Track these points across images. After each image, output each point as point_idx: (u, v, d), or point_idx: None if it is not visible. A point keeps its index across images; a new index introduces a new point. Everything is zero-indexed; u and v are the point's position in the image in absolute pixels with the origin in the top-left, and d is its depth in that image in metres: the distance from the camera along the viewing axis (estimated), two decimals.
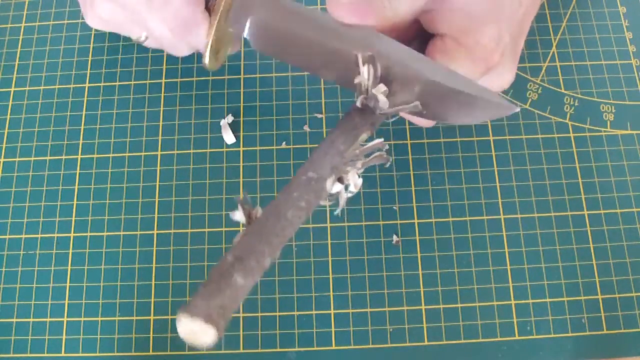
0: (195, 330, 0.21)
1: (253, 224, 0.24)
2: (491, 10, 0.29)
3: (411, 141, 0.38)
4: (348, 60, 0.29)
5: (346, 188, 0.27)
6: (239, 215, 0.24)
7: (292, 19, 0.31)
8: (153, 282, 0.36)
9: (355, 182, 0.26)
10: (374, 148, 0.27)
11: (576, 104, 0.39)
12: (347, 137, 0.26)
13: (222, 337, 0.21)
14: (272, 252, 0.23)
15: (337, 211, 0.27)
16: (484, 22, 0.29)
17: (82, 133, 0.39)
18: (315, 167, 0.25)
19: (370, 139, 0.28)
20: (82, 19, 0.41)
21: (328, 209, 0.36)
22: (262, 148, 0.38)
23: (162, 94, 0.40)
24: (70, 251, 0.36)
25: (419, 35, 0.31)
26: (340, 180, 0.26)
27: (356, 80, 0.28)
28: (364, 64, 0.28)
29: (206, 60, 0.33)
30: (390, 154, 0.37)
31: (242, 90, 0.40)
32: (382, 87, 0.27)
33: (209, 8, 0.33)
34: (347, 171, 0.26)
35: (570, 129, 0.38)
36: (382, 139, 0.27)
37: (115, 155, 0.38)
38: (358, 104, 0.28)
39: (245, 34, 0.32)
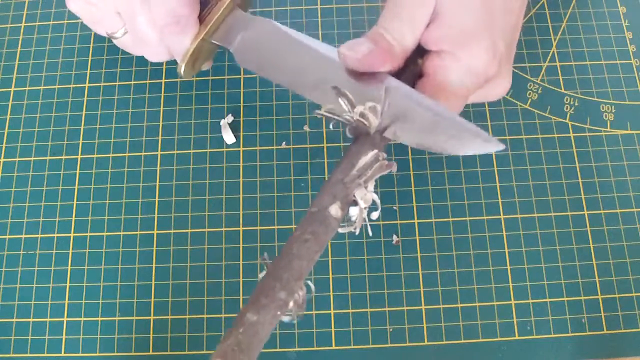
0: None
1: (267, 269, 0.25)
2: (484, 23, 0.30)
3: None
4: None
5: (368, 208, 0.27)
6: (264, 274, 0.26)
7: (287, 42, 0.32)
8: (153, 282, 0.36)
9: (365, 198, 0.27)
10: (371, 161, 0.27)
11: (576, 104, 0.39)
12: (345, 166, 0.27)
13: None
14: (284, 286, 0.24)
15: (357, 231, 0.27)
16: (479, 36, 0.30)
17: (82, 133, 0.39)
18: (316, 202, 0.27)
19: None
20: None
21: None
22: (262, 148, 0.38)
23: (162, 94, 0.40)
24: (70, 251, 0.36)
25: (415, 52, 0.32)
26: (354, 202, 0.27)
27: (328, 106, 0.29)
28: (338, 97, 0.28)
29: (182, 67, 0.33)
30: (390, 154, 0.38)
31: (242, 90, 0.40)
32: (370, 103, 0.28)
33: (200, 18, 0.33)
34: (353, 193, 0.27)
35: (570, 129, 0.38)
36: (375, 151, 0.27)
37: (115, 155, 0.38)
38: (348, 132, 0.29)
39: (232, 48, 0.33)
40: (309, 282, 0.26)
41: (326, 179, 0.36)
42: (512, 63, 0.32)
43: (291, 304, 0.25)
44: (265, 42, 0.33)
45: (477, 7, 0.30)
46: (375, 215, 0.28)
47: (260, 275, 0.26)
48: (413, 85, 0.31)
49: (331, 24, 0.41)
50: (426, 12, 0.30)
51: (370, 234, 0.28)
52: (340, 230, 0.27)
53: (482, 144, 0.29)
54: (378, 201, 0.27)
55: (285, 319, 0.25)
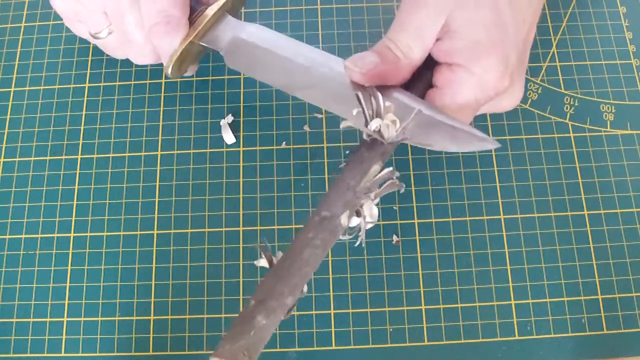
0: None
1: (273, 267, 0.25)
2: (497, 36, 0.30)
3: None
4: (329, 86, 0.31)
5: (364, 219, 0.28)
6: (262, 262, 0.26)
7: (277, 45, 0.33)
8: (153, 282, 0.36)
9: (371, 213, 0.27)
10: (385, 177, 0.28)
11: (576, 104, 0.39)
12: (356, 172, 0.27)
13: None
14: (292, 291, 0.24)
15: (357, 243, 0.27)
16: (491, 49, 0.30)
17: (82, 133, 0.39)
18: (328, 206, 0.27)
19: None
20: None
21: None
22: (262, 148, 0.38)
23: (162, 94, 0.40)
24: (70, 251, 0.36)
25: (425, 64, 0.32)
26: (357, 213, 0.27)
27: (347, 123, 0.29)
28: (364, 100, 0.29)
29: (169, 69, 0.33)
30: (391, 154, 0.37)
31: (242, 90, 0.40)
32: (391, 116, 0.28)
33: (190, 21, 0.33)
34: (361, 204, 0.27)
35: (570, 129, 0.38)
36: (391, 168, 0.28)
37: (115, 155, 0.38)
38: (365, 136, 0.29)
39: (222, 51, 0.33)
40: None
41: (327, 179, 0.37)
42: (524, 75, 0.32)
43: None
44: (255, 45, 0.33)
45: (489, 21, 0.29)
46: (369, 225, 0.28)
47: (259, 264, 0.26)
48: (422, 96, 0.31)
49: (331, 24, 0.41)
50: (436, 26, 0.30)
51: (363, 245, 0.29)
52: (342, 237, 0.27)
53: (478, 143, 0.29)
54: (376, 216, 0.28)
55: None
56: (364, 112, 0.29)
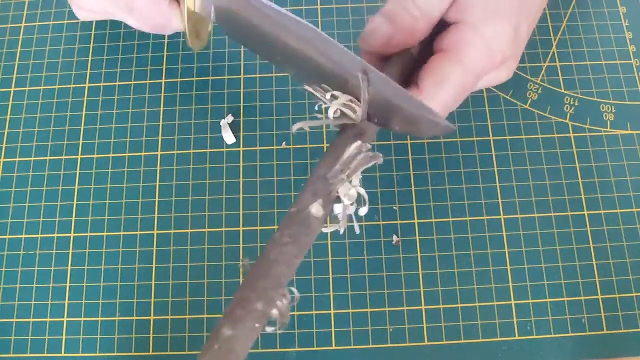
0: None
1: (245, 277, 0.24)
2: (513, 1, 0.28)
3: (411, 141, 0.38)
4: (308, 60, 0.28)
5: (356, 204, 0.26)
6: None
7: (255, 14, 0.30)
8: (153, 282, 0.36)
9: (348, 194, 0.25)
10: (355, 155, 0.26)
11: (576, 104, 0.39)
12: (328, 160, 0.26)
13: None
14: (260, 295, 0.22)
15: (341, 230, 0.26)
16: (505, 12, 0.28)
17: (82, 133, 0.39)
18: (297, 201, 0.25)
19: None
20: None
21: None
22: (262, 148, 0.38)
23: (162, 94, 0.40)
24: (70, 251, 0.36)
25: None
26: (338, 199, 0.25)
27: (309, 123, 0.27)
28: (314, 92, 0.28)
29: (189, 43, 0.35)
30: (390, 154, 0.37)
31: (242, 90, 0.40)
32: (346, 97, 0.27)
33: None
34: (336, 190, 0.25)
35: (570, 129, 0.38)
36: (359, 142, 0.26)
37: (115, 155, 0.38)
38: (332, 125, 0.28)
39: (213, 19, 0.33)
40: (292, 288, 0.24)
41: None
42: (524, 47, 0.31)
43: (274, 312, 0.23)
44: (235, 14, 0.31)
45: None
46: (363, 211, 0.26)
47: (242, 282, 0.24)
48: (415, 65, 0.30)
49: (331, 24, 0.41)
50: None
51: (357, 231, 0.26)
52: (324, 230, 0.25)
53: (431, 127, 0.27)
54: (365, 196, 0.26)
55: (269, 329, 0.24)
56: (321, 101, 0.27)
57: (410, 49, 0.30)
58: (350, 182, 0.25)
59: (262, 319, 0.23)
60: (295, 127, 0.27)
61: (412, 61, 0.30)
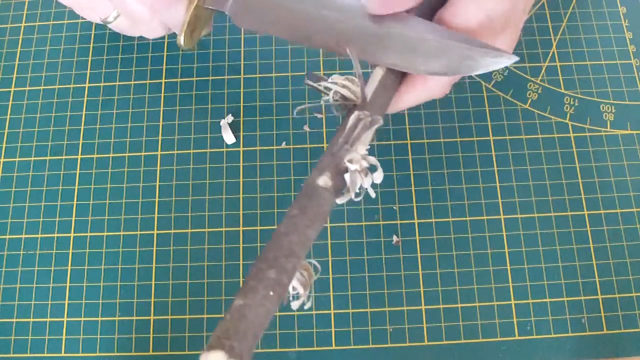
0: None
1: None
2: None
3: (411, 141, 0.38)
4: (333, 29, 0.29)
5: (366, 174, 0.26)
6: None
7: None
8: (153, 282, 0.36)
9: (354, 160, 0.25)
10: (354, 125, 0.26)
11: (576, 104, 0.39)
12: (334, 139, 0.26)
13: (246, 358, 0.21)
14: (271, 265, 0.23)
15: (352, 195, 0.26)
16: None
17: (82, 133, 0.39)
18: (307, 180, 0.25)
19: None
20: (82, 18, 0.41)
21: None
22: (262, 148, 0.38)
23: (162, 94, 0.40)
24: (70, 251, 0.36)
25: None
26: (345, 170, 0.25)
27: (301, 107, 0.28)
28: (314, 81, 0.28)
29: (181, 38, 0.33)
30: (390, 154, 0.37)
31: (242, 90, 0.40)
32: (341, 79, 0.28)
33: None
34: (344, 161, 0.25)
35: (570, 129, 0.38)
36: (356, 112, 0.26)
37: (115, 155, 0.38)
38: (334, 111, 0.28)
39: (227, 10, 0.33)
40: (312, 260, 0.25)
41: None
42: (522, 22, 0.31)
43: (296, 284, 0.24)
44: None
45: None
46: (378, 177, 0.26)
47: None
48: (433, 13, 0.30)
49: None
50: None
51: (373, 195, 0.26)
52: (339, 201, 0.26)
53: (492, 60, 0.28)
54: (376, 162, 0.26)
55: (295, 304, 0.24)
56: (319, 91, 0.28)
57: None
58: (356, 151, 0.25)
59: (276, 287, 0.22)
60: (296, 110, 0.28)
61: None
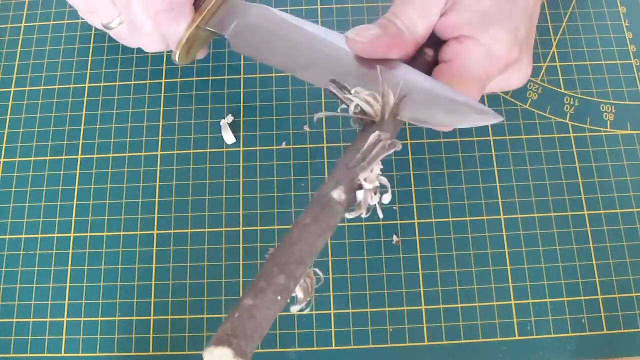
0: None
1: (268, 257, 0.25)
2: (504, 6, 0.29)
3: (411, 141, 0.38)
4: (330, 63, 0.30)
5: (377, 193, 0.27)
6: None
7: (283, 26, 0.32)
8: (153, 282, 0.36)
9: (368, 179, 0.26)
10: (373, 144, 0.27)
11: (576, 104, 0.39)
12: (349, 152, 0.27)
13: (248, 358, 0.22)
14: (282, 269, 0.23)
15: (362, 212, 0.27)
16: (499, 19, 0.29)
17: (82, 133, 0.39)
18: (319, 189, 0.26)
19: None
20: (82, 18, 0.41)
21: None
22: (262, 148, 0.38)
23: (162, 94, 0.40)
24: (70, 251, 0.36)
25: (429, 42, 0.31)
26: (360, 187, 0.26)
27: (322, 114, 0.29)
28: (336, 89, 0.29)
29: (176, 55, 0.34)
30: (390, 154, 0.37)
31: (242, 90, 0.40)
32: (366, 92, 0.28)
33: (196, 5, 0.34)
34: (358, 177, 0.26)
35: (570, 129, 0.38)
36: (377, 132, 0.27)
37: (115, 155, 0.38)
38: (352, 123, 0.29)
39: (227, 34, 0.33)
40: (316, 269, 0.25)
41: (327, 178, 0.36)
42: (532, 49, 0.31)
43: (298, 290, 0.24)
44: (259, 27, 0.33)
45: None
46: (386, 198, 0.27)
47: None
48: (427, 73, 0.31)
49: (331, 24, 0.41)
50: (440, 0, 0.29)
51: (381, 216, 0.27)
52: (348, 215, 0.26)
53: (477, 116, 0.28)
54: (387, 183, 0.27)
55: (294, 308, 0.25)
56: (340, 99, 0.28)
57: (425, 56, 0.31)
58: (371, 170, 0.26)
59: (284, 292, 0.23)
60: (315, 117, 0.29)
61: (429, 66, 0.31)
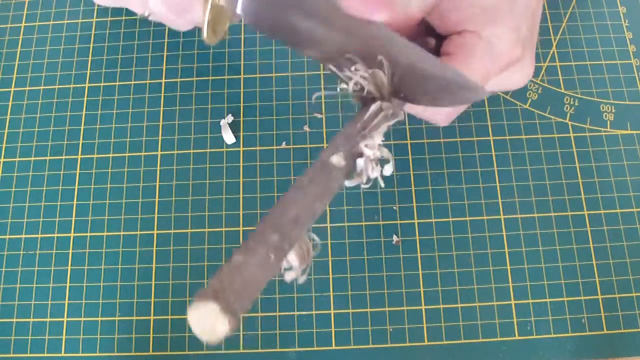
0: (205, 318, 0.19)
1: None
2: (505, 4, 0.29)
3: (411, 141, 0.38)
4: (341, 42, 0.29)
5: (379, 165, 0.26)
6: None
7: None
8: (153, 282, 0.36)
9: (369, 145, 0.25)
10: (375, 114, 0.26)
11: (576, 104, 0.39)
12: (350, 123, 0.26)
13: (237, 317, 0.19)
14: (276, 228, 0.22)
15: (363, 180, 0.26)
16: (502, 16, 0.29)
17: (82, 133, 0.39)
18: (320, 156, 0.25)
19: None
20: (82, 18, 0.41)
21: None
22: (262, 148, 0.38)
23: (162, 94, 0.40)
24: (70, 251, 0.36)
25: (429, 35, 0.31)
26: (360, 155, 0.25)
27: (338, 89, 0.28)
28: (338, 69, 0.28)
29: (204, 35, 0.33)
30: (391, 154, 0.37)
31: (242, 90, 0.40)
32: (364, 68, 0.27)
33: None
34: (357, 145, 0.25)
35: (570, 129, 0.38)
36: (379, 102, 0.26)
37: (115, 155, 0.38)
38: (353, 99, 0.28)
39: (239, 9, 0.33)
40: (314, 235, 0.24)
41: None
42: (534, 48, 0.31)
43: (293, 257, 0.23)
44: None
45: None
46: (388, 169, 0.26)
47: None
48: None
49: None
50: None
51: (382, 185, 0.27)
52: (348, 183, 0.26)
53: (462, 92, 0.28)
54: (389, 154, 0.26)
55: (289, 276, 0.23)
56: (339, 77, 0.28)
57: (427, 45, 0.30)
58: (372, 138, 0.25)
59: (277, 252, 0.22)
60: (314, 96, 0.28)
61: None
